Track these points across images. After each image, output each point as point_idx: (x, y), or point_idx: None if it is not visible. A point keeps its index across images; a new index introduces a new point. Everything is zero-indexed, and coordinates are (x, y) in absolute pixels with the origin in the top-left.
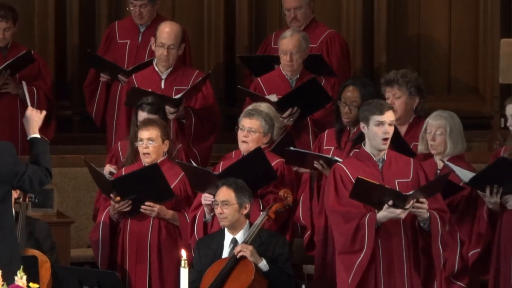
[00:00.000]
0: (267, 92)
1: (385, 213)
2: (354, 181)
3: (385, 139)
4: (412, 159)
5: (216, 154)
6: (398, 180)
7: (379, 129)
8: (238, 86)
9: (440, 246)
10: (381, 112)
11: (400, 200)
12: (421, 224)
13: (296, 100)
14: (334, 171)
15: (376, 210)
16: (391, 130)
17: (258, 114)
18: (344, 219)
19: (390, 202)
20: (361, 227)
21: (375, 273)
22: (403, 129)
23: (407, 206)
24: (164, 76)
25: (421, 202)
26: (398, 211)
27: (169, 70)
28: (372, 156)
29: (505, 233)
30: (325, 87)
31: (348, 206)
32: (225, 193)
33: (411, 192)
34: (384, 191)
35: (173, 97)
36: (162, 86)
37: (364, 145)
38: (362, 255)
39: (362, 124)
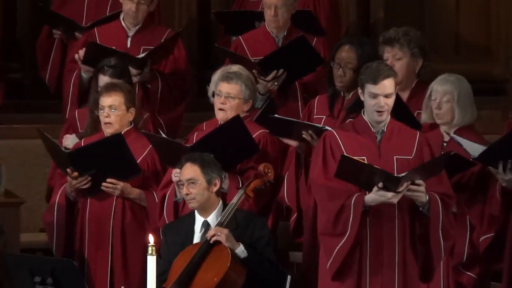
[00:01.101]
0: (249, 53)
1: (375, 196)
2: (345, 153)
3: (380, 112)
4: (418, 133)
5: (188, 124)
6: (397, 157)
7: (372, 101)
8: (216, 45)
9: (441, 235)
10: (375, 82)
11: (391, 183)
12: (420, 208)
13: (282, 61)
14: (325, 138)
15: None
16: (387, 102)
17: (237, 78)
18: (328, 196)
19: (380, 184)
20: (346, 209)
21: (360, 261)
22: (404, 96)
23: (400, 190)
24: (131, 34)
25: (417, 185)
26: (390, 194)
27: (137, 27)
28: (370, 126)
29: None
30: (316, 47)
31: (336, 181)
32: (189, 170)
33: (403, 174)
34: (373, 171)
35: (137, 56)
36: (128, 45)
37: (364, 113)
38: (343, 240)
39: (360, 90)
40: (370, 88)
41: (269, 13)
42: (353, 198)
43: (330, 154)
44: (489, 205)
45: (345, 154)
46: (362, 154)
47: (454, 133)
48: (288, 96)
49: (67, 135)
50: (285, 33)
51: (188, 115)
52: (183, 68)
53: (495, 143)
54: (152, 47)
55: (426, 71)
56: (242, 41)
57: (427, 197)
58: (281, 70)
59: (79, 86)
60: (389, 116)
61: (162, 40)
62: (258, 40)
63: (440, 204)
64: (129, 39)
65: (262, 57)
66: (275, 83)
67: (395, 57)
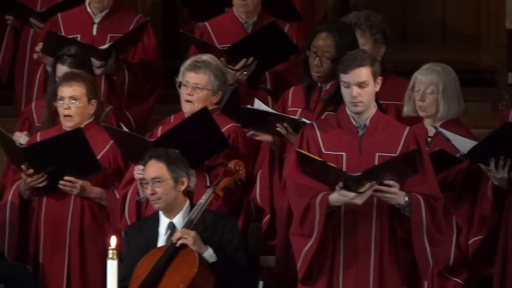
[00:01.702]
0: (216, 40)
1: (337, 195)
2: (323, 149)
3: (354, 102)
4: (408, 129)
5: (154, 117)
6: (379, 154)
7: (345, 91)
8: (180, 31)
9: (426, 241)
10: (345, 71)
11: (352, 182)
12: (401, 211)
13: (252, 49)
14: (303, 132)
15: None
16: (361, 92)
17: (206, 67)
18: (297, 193)
19: (340, 184)
20: (311, 208)
21: (332, 266)
22: None
23: (362, 190)
24: (97, 20)
25: (388, 185)
26: (351, 195)
27: (104, 13)
28: (351, 119)
29: None
30: (289, 34)
31: (306, 178)
32: (155, 168)
33: (359, 174)
34: (328, 169)
35: (100, 47)
36: (94, 32)
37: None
38: (310, 242)
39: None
40: (342, 77)
41: None
42: (319, 197)
43: (306, 149)
44: (480, 205)
45: (297, 149)
46: (341, 150)
47: (440, 127)
48: (257, 86)
49: (18, 133)
50: (255, 19)
51: (154, 108)
52: (153, 58)
53: (486, 138)
54: (120, 35)
55: (390, 59)
56: (208, 27)
57: (407, 198)
58: (251, 59)
59: (44, 82)
60: (375, 109)
61: (130, 29)
62: (225, 26)
63: (423, 206)
64: (95, 26)
65: (230, 45)
66: (244, 73)
67: None
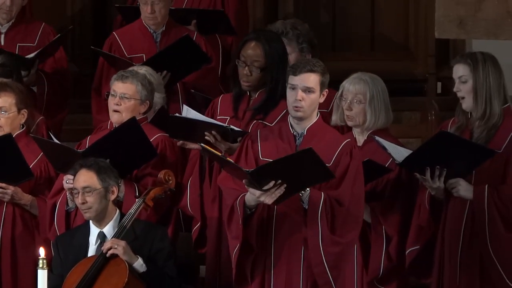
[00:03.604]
0: (125, 50)
1: (248, 194)
2: (261, 156)
3: (296, 107)
4: (346, 141)
5: (82, 127)
6: None
7: (290, 94)
8: (92, 47)
9: (320, 236)
10: (294, 73)
11: (253, 180)
12: (302, 203)
13: (166, 62)
14: (246, 138)
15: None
16: (305, 97)
17: (133, 77)
18: (227, 197)
19: (244, 181)
20: (235, 210)
21: (264, 270)
22: None
23: (265, 188)
24: (4, 30)
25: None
26: (257, 193)
27: (10, 23)
28: (290, 127)
29: (451, 226)
30: (197, 43)
31: (235, 181)
32: (85, 177)
33: (251, 169)
34: (229, 165)
35: (27, 56)
36: (2, 42)
37: None
38: (238, 245)
39: None
40: (290, 79)
41: (145, 9)
42: (239, 199)
43: (244, 154)
44: (417, 215)
45: (202, 144)
46: (277, 157)
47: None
48: (170, 97)
49: None
50: (164, 28)
51: (79, 117)
52: (65, 68)
53: (421, 147)
54: (28, 44)
55: None
56: (116, 37)
57: (308, 190)
58: (165, 72)
59: None
60: (318, 118)
61: (41, 38)
62: (134, 36)
63: (321, 201)
64: (2, 36)
65: (140, 55)
66: None
67: None
